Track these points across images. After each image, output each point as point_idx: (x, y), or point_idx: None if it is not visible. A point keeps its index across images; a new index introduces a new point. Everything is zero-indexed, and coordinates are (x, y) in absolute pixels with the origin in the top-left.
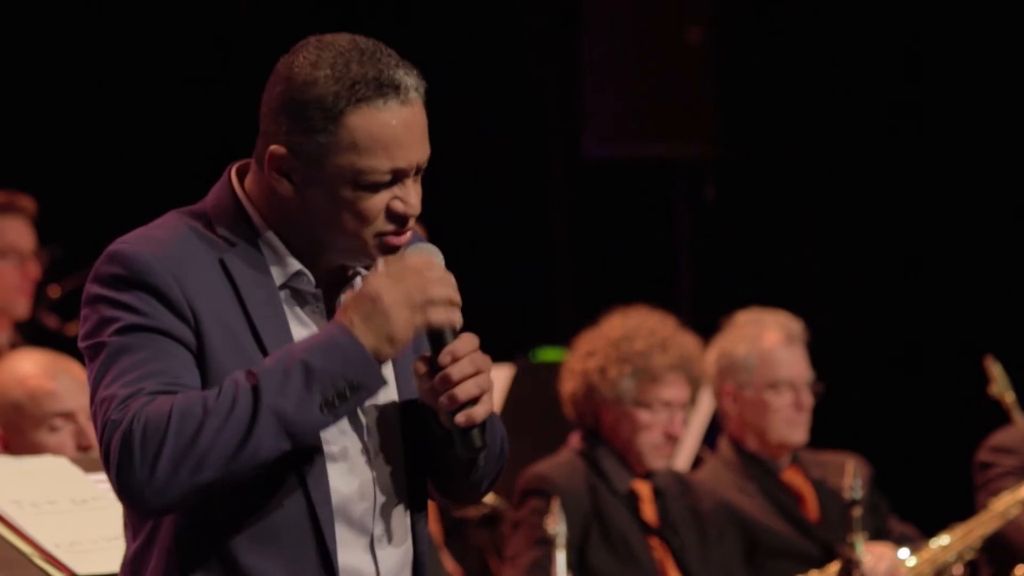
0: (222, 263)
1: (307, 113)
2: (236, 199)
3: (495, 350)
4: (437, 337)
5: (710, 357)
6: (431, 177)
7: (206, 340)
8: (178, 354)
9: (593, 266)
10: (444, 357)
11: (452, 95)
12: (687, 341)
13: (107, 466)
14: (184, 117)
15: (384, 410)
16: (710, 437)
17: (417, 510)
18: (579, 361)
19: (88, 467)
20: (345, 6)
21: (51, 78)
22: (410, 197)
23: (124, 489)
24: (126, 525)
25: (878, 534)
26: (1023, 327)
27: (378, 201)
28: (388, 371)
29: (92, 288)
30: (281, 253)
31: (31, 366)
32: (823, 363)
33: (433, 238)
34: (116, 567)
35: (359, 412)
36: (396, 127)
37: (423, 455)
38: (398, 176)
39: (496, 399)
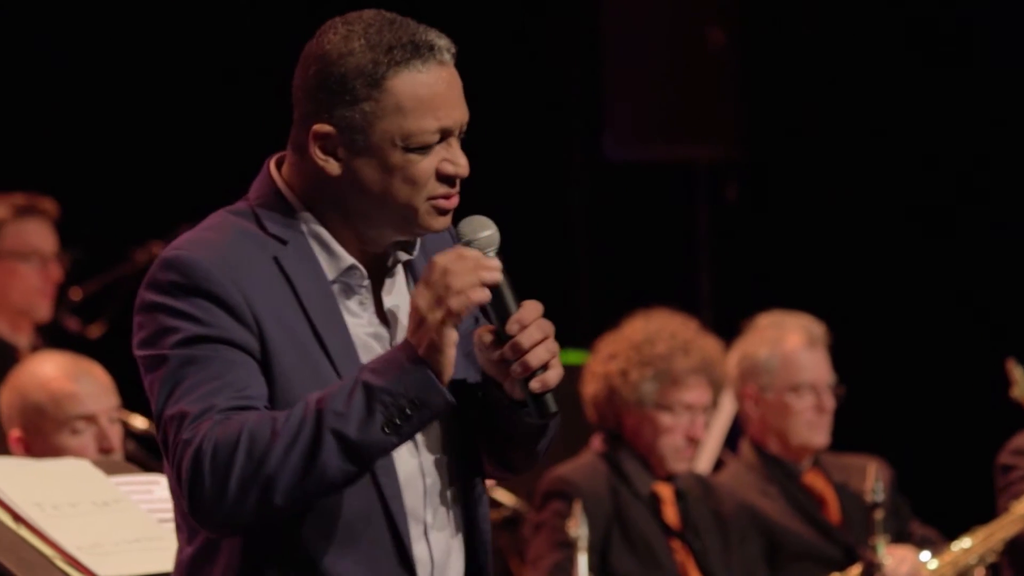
0: (276, 261)
1: (348, 84)
2: (279, 192)
3: None
4: (500, 307)
5: (731, 360)
6: None
7: (269, 343)
8: (243, 363)
9: (614, 268)
10: (512, 326)
11: (473, 97)
12: (709, 344)
13: (179, 486)
14: (205, 121)
15: None
16: (732, 440)
17: (469, 492)
18: (601, 364)
19: (110, 469)
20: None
21: (74, 82)
22: (458, 157)
23: (196, 510)
24: (179, 527)
25: (899, 537)
26: None
27: (428, 164)
28: None
29: (148, 295)
30: (332, 247)
31: (53, 368)
32: (845, 365)
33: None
34: (138, 569)
35: None
36: (438, 86)
37: (471, 436)
38: (444, 135)
39: None
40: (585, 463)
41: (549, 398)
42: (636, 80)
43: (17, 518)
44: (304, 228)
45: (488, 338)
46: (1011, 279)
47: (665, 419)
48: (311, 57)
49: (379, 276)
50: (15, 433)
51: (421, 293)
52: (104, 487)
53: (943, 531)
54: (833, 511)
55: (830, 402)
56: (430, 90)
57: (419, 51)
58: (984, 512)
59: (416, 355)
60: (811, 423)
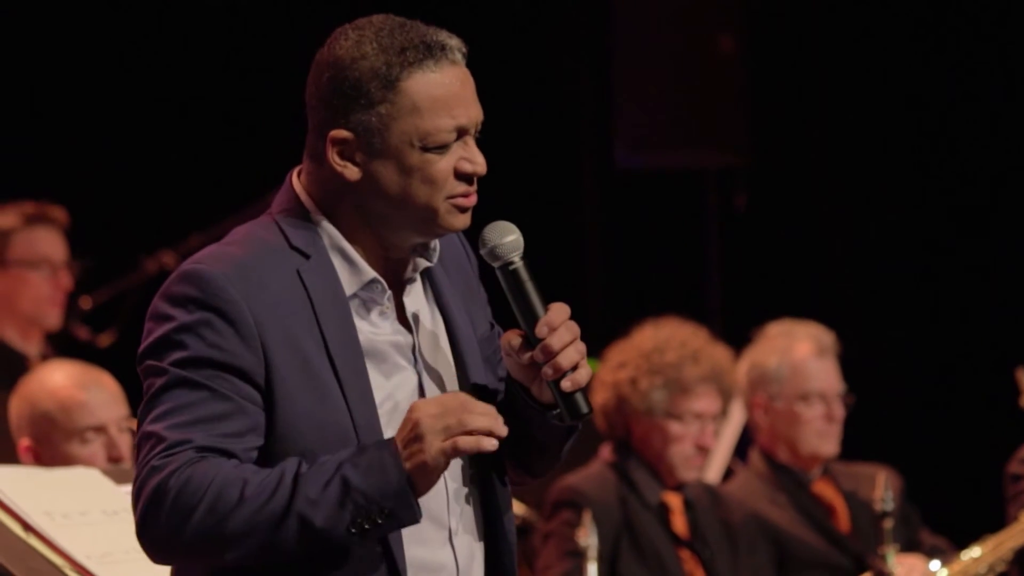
0: (299, 275)
1: (363, 88)
2: (301, 204)
3: None
4: (529, 310)
5: (741, 369)
6: None
7: (274, 365)
8: (235, 396)
9: (624, 277)
10: (541, 329)
11: (484, 105)
12: (718, 353)
13: (135, 505)
14: (215, 131)
15: None
16: (741, 449)
17: (492, 497)
18: (610, 372)
19: (119, 478)
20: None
21: (85, 92)
22: (476, 155)
23: (144, 538)
24: None
25: (909, 546)
26: None
27: (446, 163)
28: (448, 365)
29: (161, 305)
30: (354, 260)
31: (63, 377)
32: (854, 374)
33: None
34: None
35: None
36: (452, 85)
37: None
38: (461, 134)
39: None
40: (594, 472)
41: (580, 397)
42: (646, 88)
43: (27, 527)
44: (326, 241)
45: (517, 341)
46: (1021, 289)
47: (675, 428)
48: (323, 64)
49: (399, 282)
50: (25, 442)
51: (430, 411)
52: (113, 496)
53: (953, 540)
54: (843, 520)
55: (839, 411)
56: (445, 89)
57: (431, 51)
58: (994, 521)
59: (403, 468)
60: (820, 432)
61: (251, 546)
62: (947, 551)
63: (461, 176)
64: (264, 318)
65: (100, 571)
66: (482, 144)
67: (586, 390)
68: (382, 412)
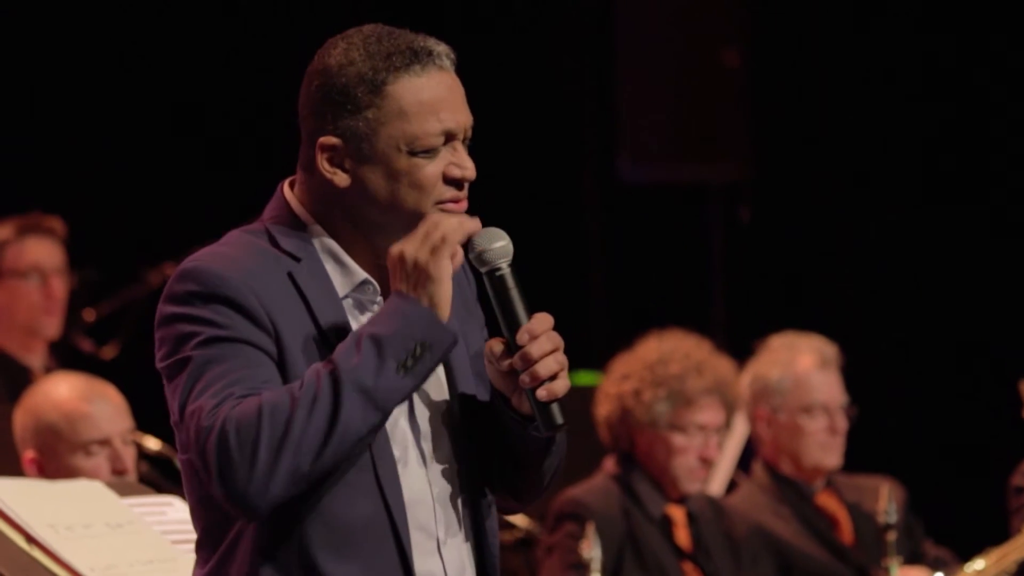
0: (291, 277)
1: (350, 93)
2: (292, 212)
3: None
4: (511, 318)
5: (744, 381)
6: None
7: (285, 351)
8: (262, 363)
9: (628, 289)
10: (522, 336)
11: (487, 118)
12: (722, 364)
13: (207, 473)
14: (219, 143)
15: (437, 411)
16: (744, 461)
17: (477, 507)
18: (614, 384)
19: (123, 491)
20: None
21: (88, 104)
22: (465, 161)
23: (228, 490)
24: (201, 544)
25: (913, 558)
26: None
27: (434, 168)
28: (438, 376)
29: (167, 308)
30: (345, 262)
31: (67, 390)
32: (857, 386)
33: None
34: None
35: (412, 414)
36: (438, 89)
37: (481, 453)
38: (449, 138)
39: None
40: (598, 485)
41: (556, 409)
42: (650, 101)
43: (30, 539)
44: (317, 245)
45: (499, 348)
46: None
47: (678, 440)
48: (313, 74)
49: (389, 290)
50: (29, 454)
51: (404, 243)
52: (117, 509)
53: (956, 552)
54: (846, 532)
55: (842, 423)
56: (431, 93)
57: (418, 56)
58: (997, 533)
59: (411, 298)
60: (823, 444)
61: (321, 440)
62: (951, 563)
63: (450, 181)
64: (267, 305)
65: None
66: (488, 157)
67: (562, 402)
68: None
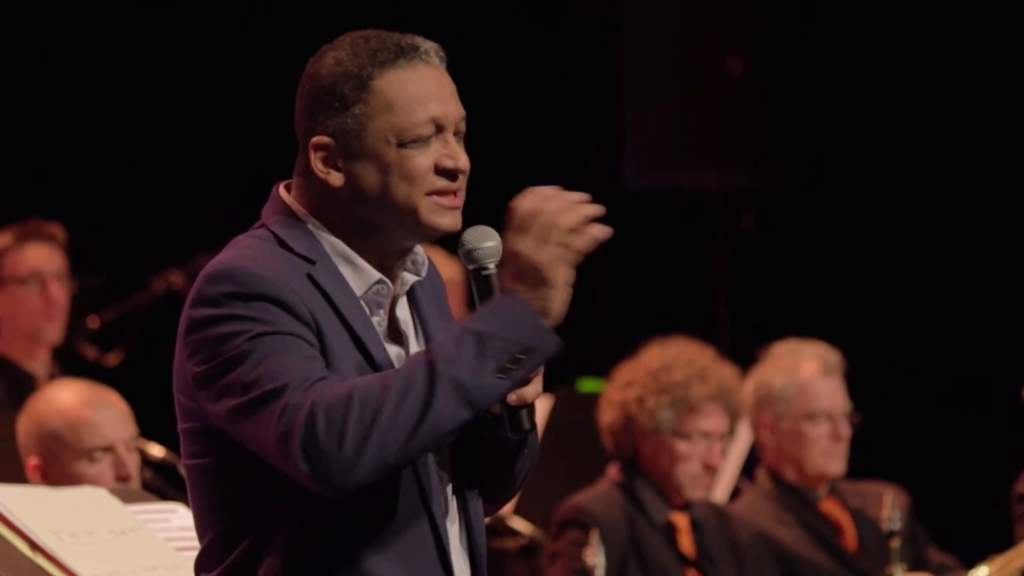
0: (310, 278)
1: (337, 91)
2: (293, 214)
3: None
4: None
5: (747, 388)
6: (471, 207)
7: (328, 348)
8: (315, 356)
9: (632, 296)
10: None
11: (492, 125)
12: (725, 371)
13: (289, 448)
14: (222, 150)
15: None
16: (748, 468)
17: (463, 490)
18: (617, 392)
19: (127, 498)
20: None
21: (92, 111)
22: (456, 152)
23: (312, 470)
24: (209, 552)
25: (916, 564)
26: None
27: (424, 159)
28: None
29: (201, 311)
30: (357, 263)
31: (71, 397)
32: (861, 393)
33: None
34: None
35: None
36: (424, 81)
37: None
38: (439, 129)
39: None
40: (601, 492)
41: (524, 414)
42: (655, 109)
43: (34, 546)
44: (327, 247)
45: None
46: None
47: (682, 447)
48: (305, 78)
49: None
50: (32, 461)
51: (518, 238)
52: (121, 516)
53: (960, 559)
54: (850, 539)
55: (846, 430)
56: (417, 85)
57: (403, 52)
58: (1001, 540)
59: (522, 300)
60: (827, 451)
61: (410, 431)
62: (955, 569)
63: (442, 172)
64: (306, 302)
65: None
66: (491, 164)
67: (531, 408)
68: None
